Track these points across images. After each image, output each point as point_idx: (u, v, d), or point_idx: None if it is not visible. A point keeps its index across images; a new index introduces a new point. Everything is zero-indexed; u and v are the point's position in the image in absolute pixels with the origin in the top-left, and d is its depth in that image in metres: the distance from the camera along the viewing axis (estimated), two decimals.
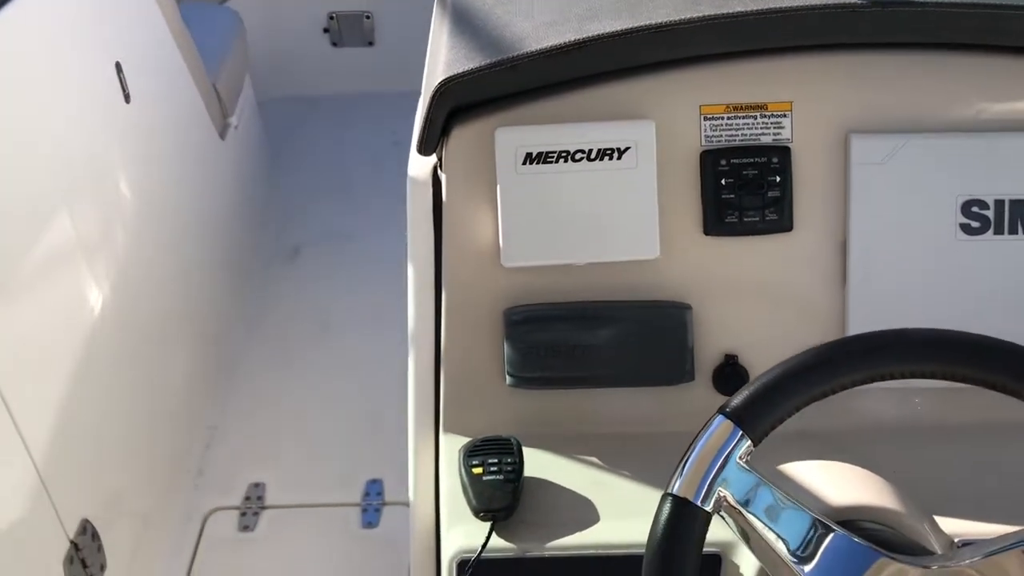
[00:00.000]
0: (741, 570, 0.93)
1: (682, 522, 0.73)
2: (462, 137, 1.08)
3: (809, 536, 0.74)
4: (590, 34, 1.02)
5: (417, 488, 1.12)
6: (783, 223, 1.09)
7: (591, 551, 0.94)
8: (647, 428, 1.08)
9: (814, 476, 0.95)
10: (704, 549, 0.92)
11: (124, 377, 1.76)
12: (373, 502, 1.94)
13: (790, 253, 1.09)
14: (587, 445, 1.07)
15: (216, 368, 2.20)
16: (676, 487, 0.74)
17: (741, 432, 0.75)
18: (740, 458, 0.75)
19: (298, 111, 3.05)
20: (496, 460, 1.00)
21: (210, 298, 2.22)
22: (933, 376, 0.76)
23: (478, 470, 1.00)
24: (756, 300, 1.10)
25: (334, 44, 3.09)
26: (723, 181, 1.08)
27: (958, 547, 0.92)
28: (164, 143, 2.06)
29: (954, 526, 0.93)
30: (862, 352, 0.77)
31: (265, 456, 2.05)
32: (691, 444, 0.76)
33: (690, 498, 0.74)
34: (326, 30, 3.07)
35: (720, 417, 0.76)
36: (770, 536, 0.74)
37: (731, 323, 1.10)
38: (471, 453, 1.02)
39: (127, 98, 1.87)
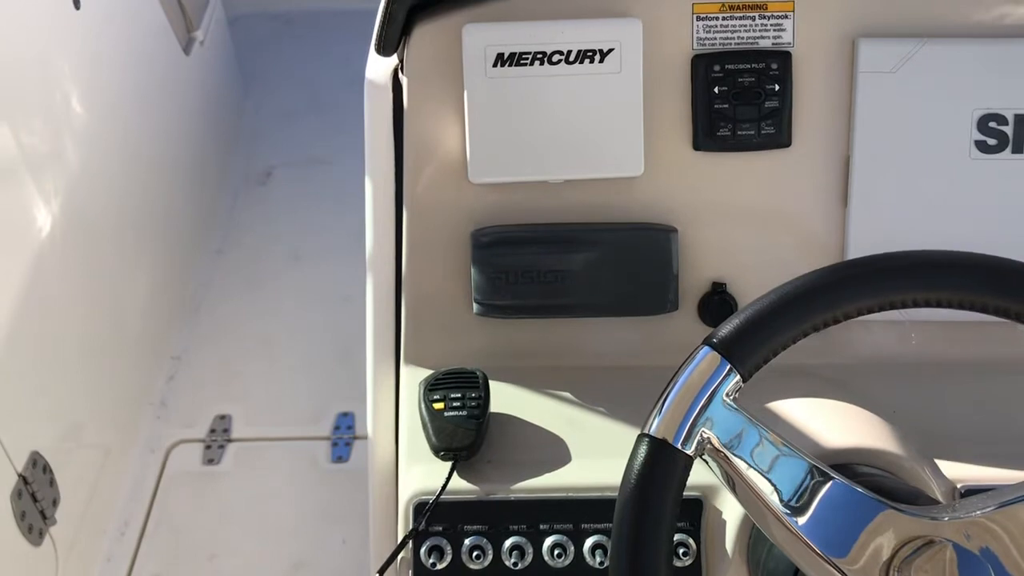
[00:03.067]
0: (724, 516, 0.85)
1: (659, 466, 0.65)
2: (425, 35, 0.97)
3: (803, 484, 0.65)
4: None
5: (376, 424, 1.04)
6: (781, 138, 0.99)
7: (561, 494, 0.86)
8: (626, 361, 1.00)
9: (806, 415, 0.87)
10: (685, 493, 0.85)
11: (78, 301, 1.66)
12: (344, 436, 1.87)
13: (787, 171, 1.00)
14: (560, 380, 0.98)
15: (181, 296, 2.10)
16: (654, 427, 0.66)
17: (729, 366, 0.66)
18: (727, 395, 0.66)
19: (271, 28, 2.90)
20: (459, 395, 0.92)
21: (174, 222, 2.12)
22: (949, 305, 0.67)
23: (439, 406, 0.91)
24: (748, 223, 1.01)
25: None
26: (716, 90, 0.97)
27: (961, 494, 0.85)
28: (119, 55, 1.93)
29: (957, 470, 0.86)
30: (870, 276, 0.68)
31: (231, 388, 1.97)
32: (672, 378, 0.67)
33: (669, 439, 0.65)
34: None
35: (705, 349, 0.67)
36: (759, 484, 0.65)
37: (720, 248, 1.01)
38: (432, 387, 0.93)
39: (76, 3, 1.74)
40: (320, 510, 1.76)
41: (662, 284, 1.00)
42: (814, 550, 0.64)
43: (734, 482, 0.66)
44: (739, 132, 0.98)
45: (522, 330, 1.02)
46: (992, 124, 0.97)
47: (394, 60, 1.01)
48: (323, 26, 2.92)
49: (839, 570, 0.64)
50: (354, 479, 1.79)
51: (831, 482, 0.65)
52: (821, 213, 1.01)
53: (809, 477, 0.65)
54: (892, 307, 0.67)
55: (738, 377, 0.66)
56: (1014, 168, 0.98)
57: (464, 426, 0.89)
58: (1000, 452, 0.89)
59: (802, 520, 0.64)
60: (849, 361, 1.02)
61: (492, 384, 0.94)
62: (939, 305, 0.68)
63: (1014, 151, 0.98)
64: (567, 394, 0.98)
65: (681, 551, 0.85)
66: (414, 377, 0.98)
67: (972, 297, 0.67)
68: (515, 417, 0.95)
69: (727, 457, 0.66)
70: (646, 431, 0.66)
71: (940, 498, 0.82)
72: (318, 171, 2.46)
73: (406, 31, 0.98)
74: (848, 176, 0.99)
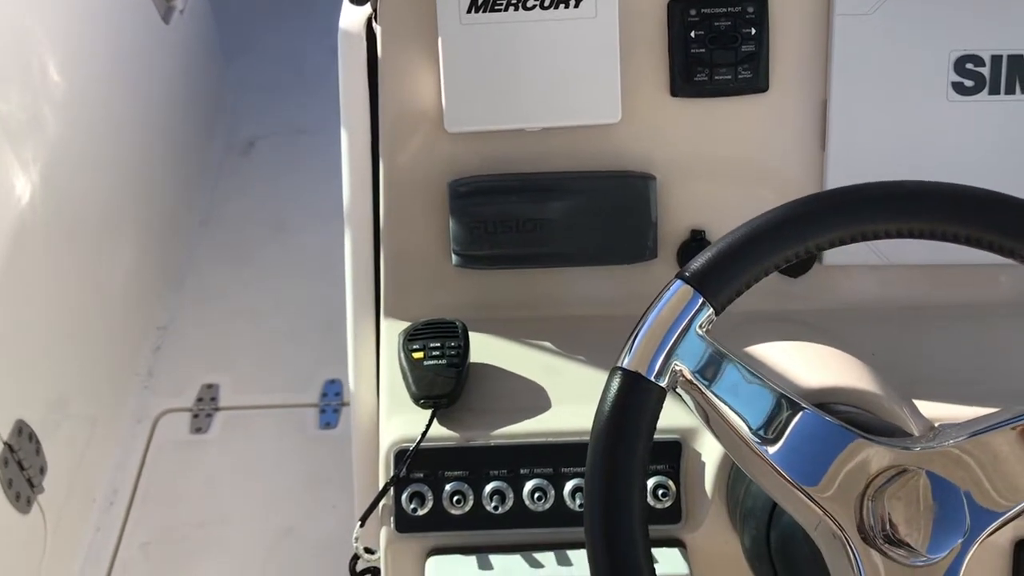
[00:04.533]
0: (703, 458, 0.86)
1: (632, 398, 0.65)
2: None
3: (775, 415, 0.65)
4: None
5: (357, 376, 1.04)
6: (758, 82, 0.98)
7: (541, 439, 0.87)
8: (605, 310, 1.00)
9: (786, 357, 0.88)
10: (664, 435, 0.85)
11: (62, 272, 1.65)
12: (332, 402, 1.87)
13: (765, 115, 0.99)
14: (540, 329, 0.98)
15: (165, 267, 2.09)
16: (627, 360, 0.66)
17: (702, 299, 0.66)
18: (700, 328, 0.66)
19: None
20: (439, 344, 0.92)
21: (157, 192, 2.10)
22: (921, 235, 0.67)
23: (419, 355, 0.91)
24: (726, 169, 1.00)
25: None
26: (692, 34, 0.97)
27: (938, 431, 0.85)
28: (97, 23, 1.91)
29: (935, 410, 0.87)
30: (841, 206, 0.67)
31: (219, 357, 1.97)
32: (645, 312, 0.67)
33: (642, 372, 0.65)
34: None
35: (678, 282, 0.66)
36: (731, 415, 0.65)
37: (698, 194, 1.01)
38: (412, 337, 0.93)
39: None
40: (309, 476, 1.76)
41: (641, 232, 1.00)
42: (785, 478, 0.64)
43: (707, 414, 0.66)
44: (716, 77, 0.97)
45: (501, 281, 1.01)
46: (969, 65, 0.97)
47: (367, 9, 1.00)
48: None
49: (811, 498, 0.64)
50: (342, 445, 1.78)
51: (802, 412, 0.65)
52: (799, 157, 1.00)
53: (780, 408, 0.65)
54: (864, 238, 0.67)
55: (711, 310, 0.66)
56: (991, 109, 0.97)
57: (444, 374, 0.89)
58: (979, 392, 0.90)
59: (773, 449, 0.65)
60: (830, 306, 1.02)
61: (472, 335, 0.94)
62: (911, 235, 0.68)
63: (991, 92, 0.97)
64: (547, 343, 0.98)
65: (660, 492, 0.85)
66: (394, 330, 0.97)
67: (944, 227, 0.67)
68: (495, 366, 0.95)
69: (699, 389, 0.66)
70: (619, 364, 0.66)
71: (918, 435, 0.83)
72: (301, 141, 2.44)
73: None
74: (826, 119, 0.99)
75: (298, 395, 1.88)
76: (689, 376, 0.66)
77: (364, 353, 1.04)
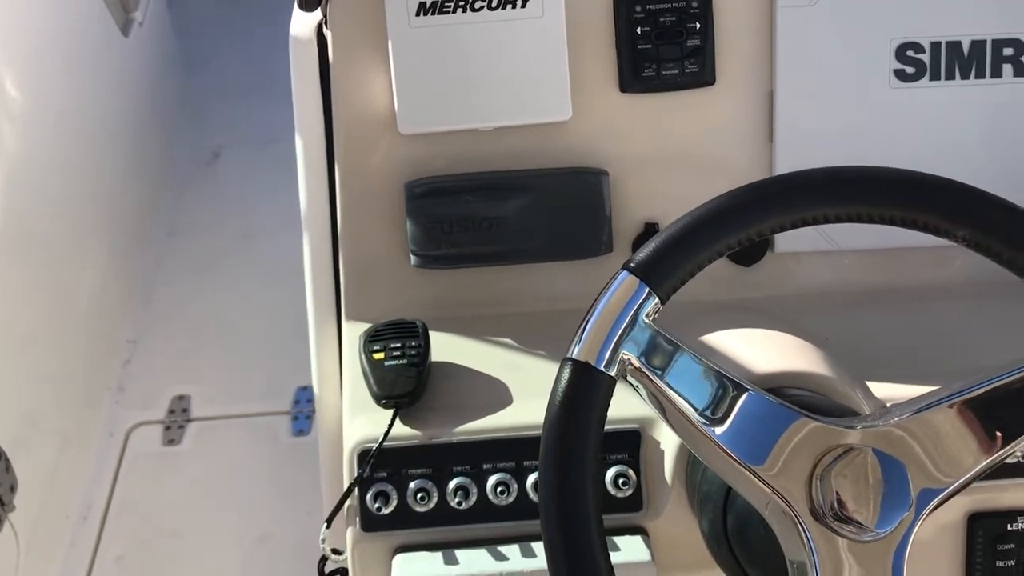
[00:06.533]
0: (662, 446, 0.87)
1: (583, 388, 0.66)
2: None
3: (721, 397, 0.67)
4: None
5: (321, 380, 1.05)
6: (705, 76, 1.00)
7: (503, 433, 0.88)
8: (563, 305, 1.01)
9: (741, 344, 0.89)
10: (623, 425, 0.87)
11: (28, 288, 1.64)
12: (304, 409, 1.87)
13: (713, 108, 1.01)
14: (500, 326, 0.99)
15: (132, 280, 2.09)
16: (576, 351, 0.67)
17: (648, 288, 0.67)
18: (647, 317, 0.67)
19: (217, 5, 2.86)
20: (399, 344, 0.92)
21: (121, 205, 2.09)
22: (859, 219, 0.69)
23: (379, 355, 0.92)
24: (678, 162, 1.02)
25: None
26: (639, 30, 0.98)
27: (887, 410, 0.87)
28: (55, 37, 1.90)
29: (887, 390, 0.89)
30: (781, 192, 0.69)
31: (189, 368, 1.96)
32: (593, 303, 0.68)
33: (592, 362, 0.66)
34: None
35: (623, 273, 0.68)
36: (679, 400, 0.67)
37: (651, 188, 1.02)
38: (372, 338, 0.94)
39: None
40: (283, 484, 1.76)
41: (595, 227, 1.01)
42: (733, 458, 0.66)
43: (658, 400, 0.68)
44: (663, 72, 0.99)
45: (460, 280, 1.02)
46: (910, 53, 0.99)
47: (318, 15, 1.01)
48: (271, 1, 2.88)
49: (759, 477, 0.66)
50: (316, 452, 1.79)
51: (747, 393, 0.67)
52: (748, 148, 1.02)
53: (726, 390, 0.67)
54: (805, 223, 0.69)
55: (656, 299, 0.67)
56: (932, 95, 1.00)
57: (405, 373, 0.90)
58: (930, 371, 0.91)
59: (720, 430, 0.66)
60: (785, 293, 1.04)
61: (433, 334, 0.95)
62: (850, 220, 0.70)
63: (932, 78, 0.99)
64: (507, 339, 0.99)
65: (621, 481, 0.86)
66: (356, 332, 0.98)
67: (881, 210, 0.69)
68: (457, 364, 0.95)
69: (648, 376, 0.67)
70: (569, 355, 0.67)
71: None
72: (267, 149, 2.44)
73: None
74: (772, 111, 1.01)
75: (270, 403, 1.89)
76: (637, 364, 0.67)
77: (327, 357, 1.05)
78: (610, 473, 0.87)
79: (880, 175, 0.69)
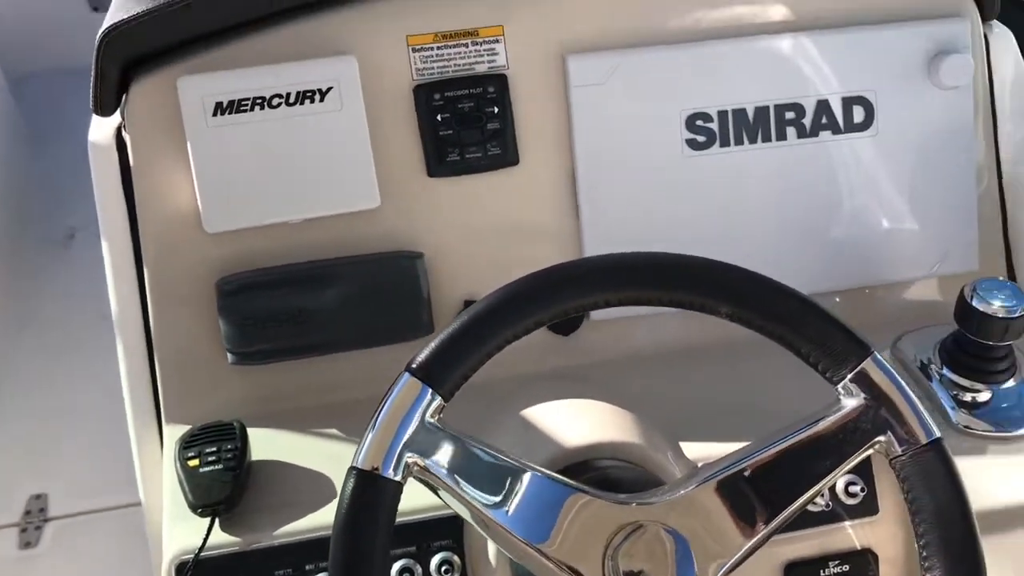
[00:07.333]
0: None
1: (368, 497, 0.67)
2: (143, 91, 0.96)
3: (507, 483, 0.69)
4: None
5: (145, 488, 1.02)
6: (508, 156, 1.03)
7: (324, 532, 0.87)
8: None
9: (552, 417, 0.91)
10: (444, 512, 0.87)
11: None
12: None
13: (519, 188, 1.03)
14: (323, 417, 0.99)
15: None
16: (360, 459, 0.67)
17: (430, 390, 0.68)
18: (431, 416, 0.68)
19: (59, 84, 2.78)
20: (215, 448, 0.91)
21: None
22: (621, 303, 0.72)
23: (194, 462, 0.90)
24: (491, 240, 1.04)
25: (95, 9, 2.82)
26: (439, 117, 1.00)
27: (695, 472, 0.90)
28: None
29: (698, 450, 0.91)
30: (551, 285, 0.71)
31: (46, 464, 1.87)
32: (377, 408, 0.69)
33: (378, 468, 0.67)
34: None
35: (405, 375, 0.69)
36: (466, 491, 0.68)
37: (467, 266, 1.04)
38: (187, 444, 0.92)
39: None
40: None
41: (414, 309, 1.02)
42: (516, 538, 0.67)
43: (447, 495, 0.69)
44: (467, 155, 1.01)
45: (281, 374, 1.01)
46: (699, 122, 1.04)
47: (117, 118, 1.00)
48: None
49: (543, 554, 0.68)
50: None
51: (528, 474, 0.69)
52: (557, 223, 1.05)
53: (511, 474, 0.68)
54: (567, 315, 0.71)
55: (439, 399, 0.69)
56: (721, 161, 1.05)
57: (220, 479, 0.89)
58: (739, 426, 0.95)
59: (505, 513, 0.68)
60: (605, 358, 1.06)
61: (255, 431, 0.94)
62: (619, 304, 0.72)
63: (721, 145, 1.05)
64: (332, 430, 0.98)
65: (444, 569, 0.86)
66: (176, 435, 0.96)
67: (648, 293, 0.72)
68: (280, 462, 0.94)
69: (434, 475, 0.68)
70: (354, 464, 0.67)
71: None
72: None
73: (124, 88, 0.97)
74: (575, 187, 1.04)
75: (132, 494, 1.82)
76: (423, 464, 0.68)
77: (150, 463, 1.02)
78: (434, 561, 0.87)
79: (640, 262, 0.72)
